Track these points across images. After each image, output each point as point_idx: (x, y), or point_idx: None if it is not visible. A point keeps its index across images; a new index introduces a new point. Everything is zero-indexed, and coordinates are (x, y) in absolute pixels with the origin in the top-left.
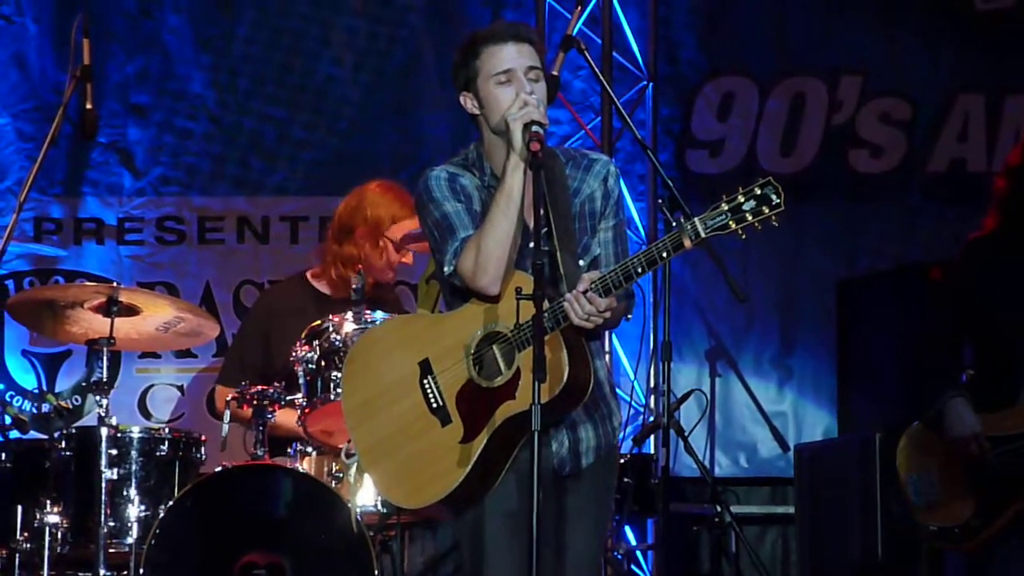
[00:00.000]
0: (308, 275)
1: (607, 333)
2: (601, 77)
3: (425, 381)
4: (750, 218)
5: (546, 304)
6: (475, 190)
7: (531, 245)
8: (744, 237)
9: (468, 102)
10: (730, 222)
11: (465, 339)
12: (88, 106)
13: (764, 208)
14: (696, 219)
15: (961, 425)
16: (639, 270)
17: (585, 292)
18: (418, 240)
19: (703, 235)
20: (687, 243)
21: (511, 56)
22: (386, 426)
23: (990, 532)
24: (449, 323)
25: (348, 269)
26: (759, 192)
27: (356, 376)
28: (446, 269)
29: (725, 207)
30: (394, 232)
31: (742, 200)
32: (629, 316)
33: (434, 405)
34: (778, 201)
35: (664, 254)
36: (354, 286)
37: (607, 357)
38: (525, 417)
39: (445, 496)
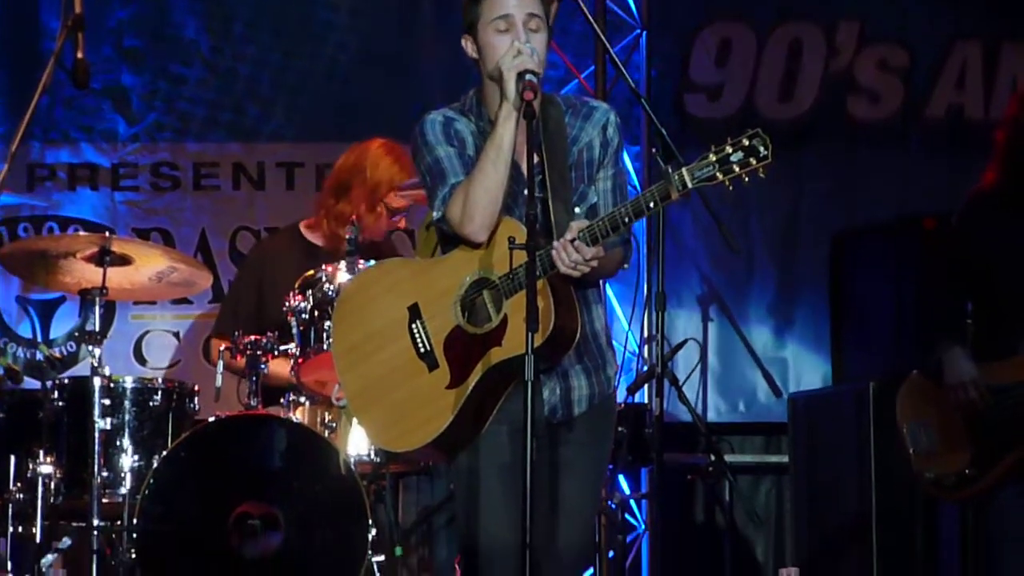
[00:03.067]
0: (302, 226)
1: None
2: (595, 25)
3: (414, 326)
4: (737, 169)
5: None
6: (470, 135)
7: (525, 193)
8: (732, 189)
9: (469, 46)
10: (717, 173)
11: (454, 285)
12: (80, 55)
13: (751, 159)
14: (684, 169)
15: (959, 372)
16: (626, 220)
17: (572, 241)
18: (416, 188)
19: (690, 186)
20: (674, 194)
21: (511, 2)
22: (375, 371)
23: (985, 482)
24: (439, 269)
25: (341, 226)
26: (747, 143)
27: (346, 320)
28: (435, 214)
29: (713, 158)
30: (393, 199)
31: (730, 151)
32: (627, 265)
33: (422, 350)
34: (765, 153)
35: (651, 204)
36: (348, 236)
37: (600, 307)
38: (512, 363)
39: (431, 441)
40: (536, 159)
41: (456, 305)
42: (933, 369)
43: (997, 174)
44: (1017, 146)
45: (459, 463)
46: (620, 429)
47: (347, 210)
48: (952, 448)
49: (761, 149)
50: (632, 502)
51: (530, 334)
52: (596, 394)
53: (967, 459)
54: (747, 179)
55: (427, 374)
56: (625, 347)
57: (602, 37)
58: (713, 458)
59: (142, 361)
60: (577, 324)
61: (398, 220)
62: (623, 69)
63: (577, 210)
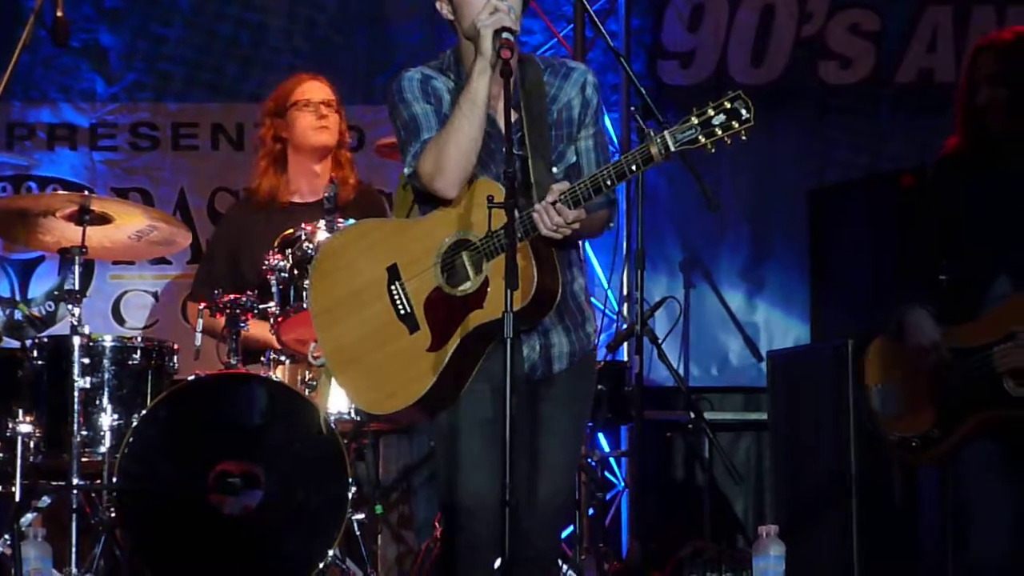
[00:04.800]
0: None
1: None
2: None
3: (393, 287)
4: (719, 132)
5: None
6: (447, 93)
7: (504, 151)
8: (713, 151)
9: (444, 7)
10: (699, 136)
11: (434, 246)
12: (59, 13)
13: (733, 122)
14: (666, 132)
15: (920, 335)
16: (608, 182)
17: (554, 203)
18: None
19: (672, 149)
20: (656, 157)
21: None
22: (353, 331)
23: (949, 443)
24: (418, 229)
25: (265, 155)
26: (729, 106)
27: (324, 280)
28: (406, 170)
29: (695, 120)
30: (298, 95)
31: (712, 114)
32: (611, 225)
33: (402, 312)
34: (747, 115)
35: (634, 167)
36: (327, 194)
37: (579, 265)
38: (493, 326)
39: (412, 404)
40: (515, 117)
41: (436, 266)
42: (895, 330)
43: (959, 140)
44: (972, 107)
45: (440, 420)
46: (600, 387)
47: (276, 146)
48: (916, 409)
49: (743, 112)
50: (612, 460)
51: (509, 292)
52: (576, 351)
53: (931, 420)
54: (728, 142)
55: (408, 336)
56: (604, 306)
57: None
58: (693, 416)
59: (120, 321)
60: (559, 285)
61: (318, 110)
62: (602, 29)
63: (555, 170)
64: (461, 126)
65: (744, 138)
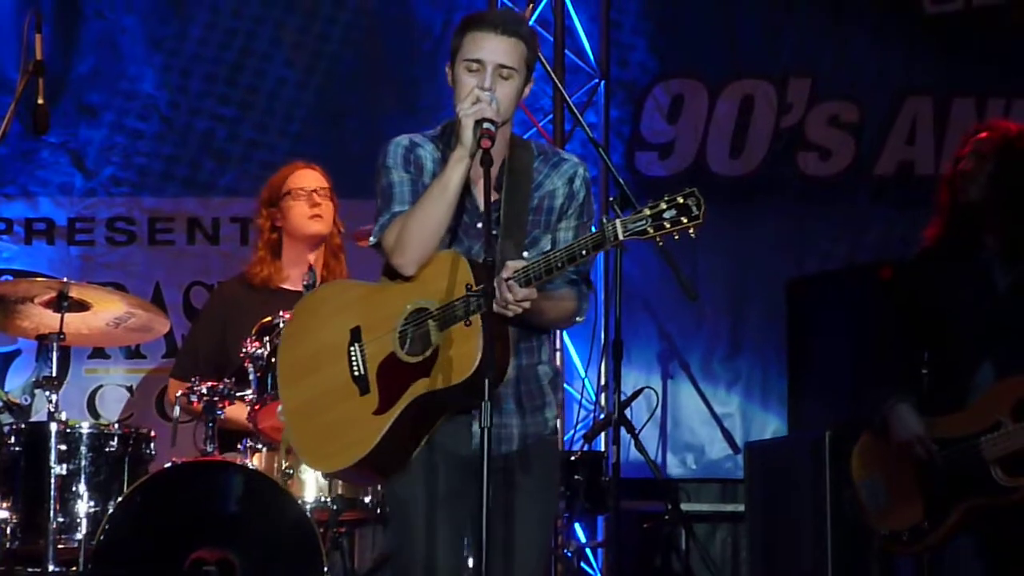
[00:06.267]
0: None
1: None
2: (552, 75)
3: (352, 348)
4: (667, 226)
5: (472, 288)
6: (431, 162)
7: (478, 226)
8: (661, 244)
9: (449, 74)
10: (648, 228)
11: (397, 312)
12: (40, 101)
13: (683, 218)
14: (617, 221)
15: (905, 430)
16: (559, 264)
17: (507, 280)
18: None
19: (621, 238)
20: (606, 243)
21: (488, 48)
22: (311, 389)
23: (938, 534)
24: (385, 294)
25: (262, 247)
26: (681, 202)
27: (293, 337)
28: (372, 239)
29: (647, 212)
30: (290, 183)
31: (664, 208)
32: (580, 319)
33: (356, 373)
34: (697, 213)
35: (584, 252)
36: (305, 282)
37: (548, 350)
38: (437, 396)
39: (351, 465)
40: (495, 197)
41: (395, 332)
42: (880, 426)
43: (938, 230)
44: (954, 205)
45: (394, 487)
46: (576, 477)
47: (272, 235)
48: (904, 503)
49: (694, 209)
50: (588, 550)
51: (487, 379)
52: (529, 434)
53: (919, 512)
54: (677, 236)
55: (357, 397)
56: (582, 395)
57: (560, 87)
58: (669, 506)
59: (95, 415)
60: (507, 362)
61: (310, 198)
62: (581, 119)
63: (525, 254)
64: (428, 210)
65: (693, 236)
